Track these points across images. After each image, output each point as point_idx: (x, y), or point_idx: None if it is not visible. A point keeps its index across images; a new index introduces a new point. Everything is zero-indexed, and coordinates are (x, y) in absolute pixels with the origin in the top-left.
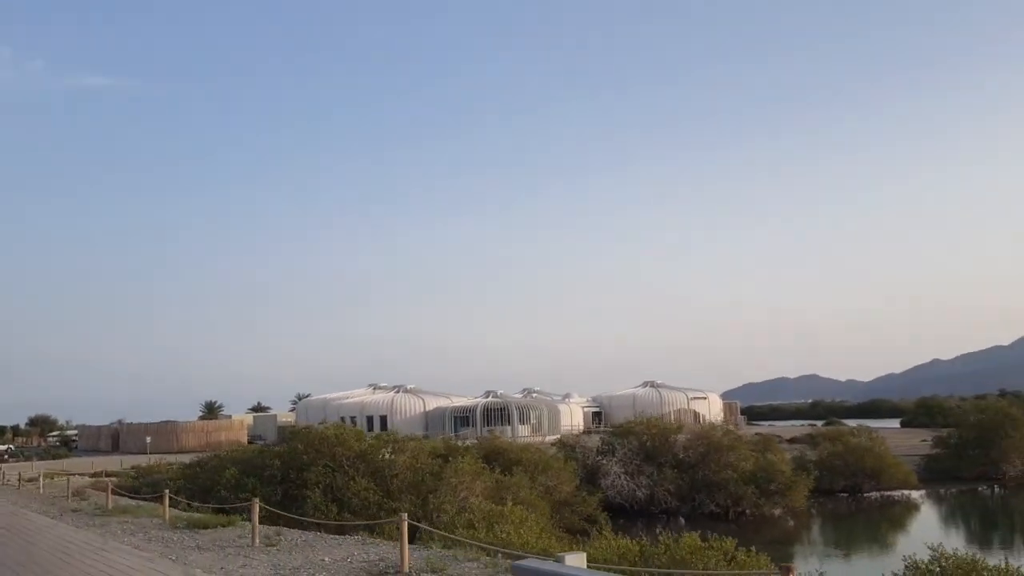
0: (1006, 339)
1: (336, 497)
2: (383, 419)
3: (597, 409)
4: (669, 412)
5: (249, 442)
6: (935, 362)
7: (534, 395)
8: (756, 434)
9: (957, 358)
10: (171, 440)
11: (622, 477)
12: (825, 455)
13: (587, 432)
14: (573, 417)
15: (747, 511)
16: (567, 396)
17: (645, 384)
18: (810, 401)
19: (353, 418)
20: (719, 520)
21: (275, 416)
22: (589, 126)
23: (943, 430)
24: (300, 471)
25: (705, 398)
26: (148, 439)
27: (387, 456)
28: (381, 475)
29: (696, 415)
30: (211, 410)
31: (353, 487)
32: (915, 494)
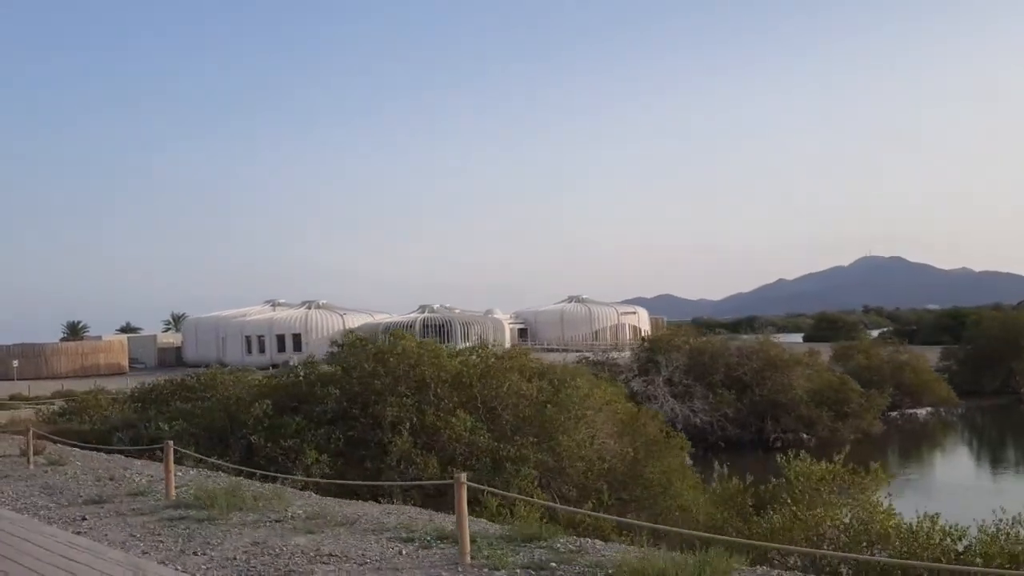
0: (846, 260)
1: (428, 443)
2: (296, 338)
3: (523, 326)
4: (603, 328)
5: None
6: (780, 282)
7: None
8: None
9: (800, 278)
10: (39, 365)
11: (671, 401)
12: (862, 370)
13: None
14: (505, 334)
15: (819, 437)
16: (489, 312)
17: (570, 299)
18: (691, 319)
19: (260, 337)
20: (792, 449)
21: (154, 337)
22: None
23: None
24: (366, 407)
25: (635, 312)
26: (15, 363)
27: (500, 381)
28: (486, 408)
29: (635, 330)
30: (74, 331)
31: (455, 426)
32: (950, 411)
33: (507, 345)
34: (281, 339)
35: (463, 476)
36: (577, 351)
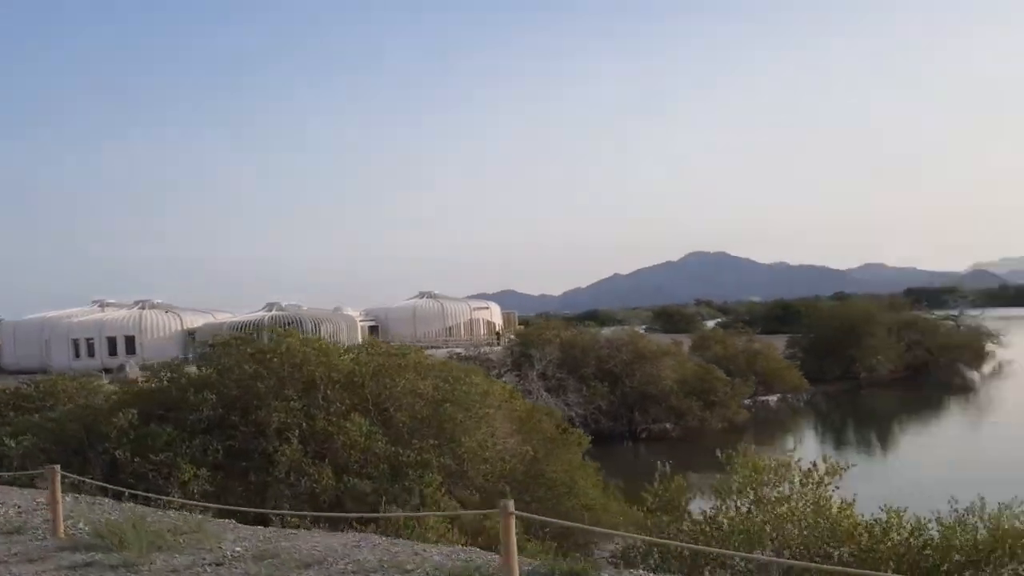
0: (675, 255)
1: (319, 451)
2: (129, 340)
3: (373, 323)
4: (456, 324)
5: None
6: (615, 276)
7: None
8: None
9: (634, 272)
10: None
11: (545, 395)
12: (720, 359)
13: None
14: (357, 332)
15: (688, 427)
16: (337, 309)
17: (422, 295)
18: (535, 314)
19: (89, 340)
20: (663, 440)
21: None
22: None
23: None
24: (246, 413)
25: (487, 307)
26: None
27: (394, 379)
28: (379, 409)
29: (490, 325)
30: None
31: (350, 432)
32: (797, 398)
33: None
34: (112, 341)
35: (511, 504)
36: (434, 347)
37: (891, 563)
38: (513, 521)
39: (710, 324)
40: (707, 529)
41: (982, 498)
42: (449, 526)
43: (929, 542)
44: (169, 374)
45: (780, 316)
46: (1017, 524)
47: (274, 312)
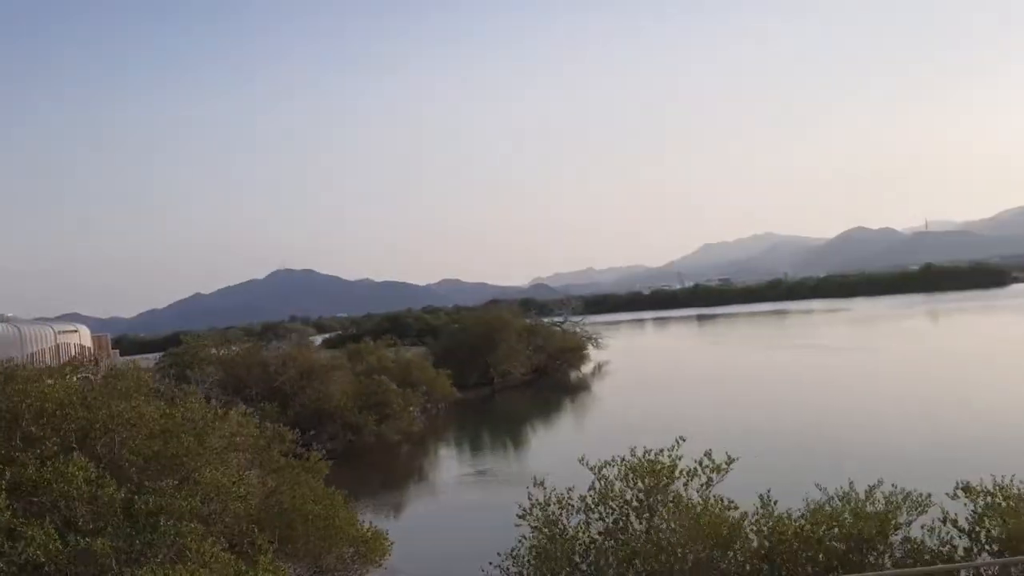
0: (261, 273)
1: (31, 506)
2: None
3: None
4: (40, 349)
5: None
6: (197, 295)
7: None
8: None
9: (217, 292)
10: None
11: None
12: (376, 371)
13: None
14: None
15: (366, 442)
16: None
17: None
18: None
19: None
20: (344, 458)
21: None
22: None
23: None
24: None
25: (76, 331)
26: None
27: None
28: (91, 446)
29: (83, 349)
30: None
31: (73, 477)
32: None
33: None
34: None
35: None
36: None
37: None
38: None
39: (317, 340)
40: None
41: None
42: None
43: None
44: None
45: (389, 328)
46: None
47: None
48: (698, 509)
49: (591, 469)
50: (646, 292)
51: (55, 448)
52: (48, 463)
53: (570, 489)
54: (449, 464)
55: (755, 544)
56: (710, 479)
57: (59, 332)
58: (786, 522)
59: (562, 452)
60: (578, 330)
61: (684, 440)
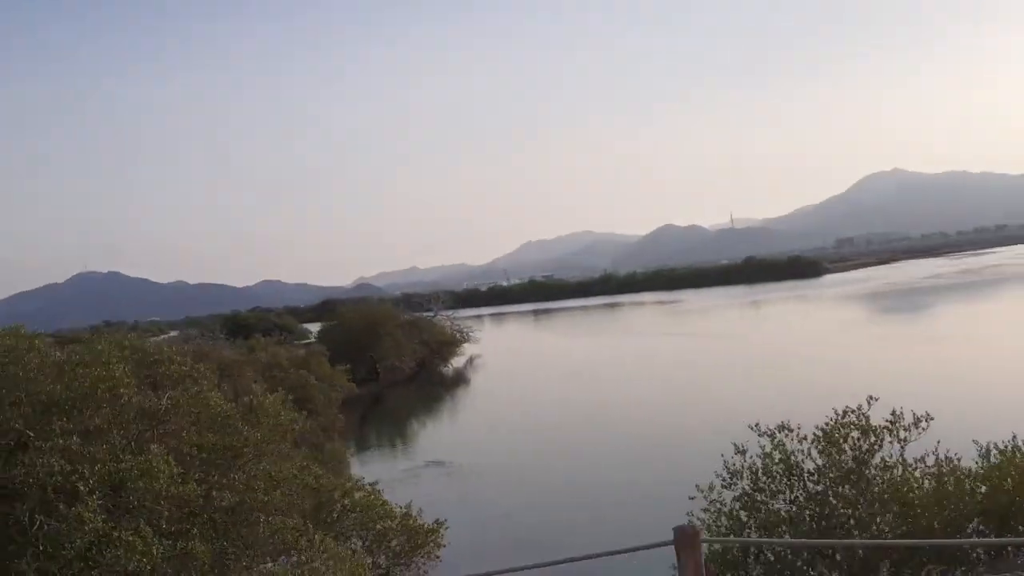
0: (60, 277)
1: (111, 508)
2: None
3: None
4: None
5: None
6: None
7: None
8: None
9: (11, 297)
10: None
11: None
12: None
13: None
14: None
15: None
16: None
17: None
18: None
19: None
20: None
21: None
22: None
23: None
24: None
25: None
26: None
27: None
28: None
29: None
30: None
31: (157, 473)
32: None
33: None
34: None
35: None
36: None
37: None
38: None
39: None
40: None
41: None
42: None
43: None
44: None
45: (232, 328)
46: None
47: None
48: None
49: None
50: (483, 289)
51: (123, 441)
52: (125, 458)
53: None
54: (390, 462)
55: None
56: (905, 438)
57: None
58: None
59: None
60: (449, 324)
61: (876, 399)
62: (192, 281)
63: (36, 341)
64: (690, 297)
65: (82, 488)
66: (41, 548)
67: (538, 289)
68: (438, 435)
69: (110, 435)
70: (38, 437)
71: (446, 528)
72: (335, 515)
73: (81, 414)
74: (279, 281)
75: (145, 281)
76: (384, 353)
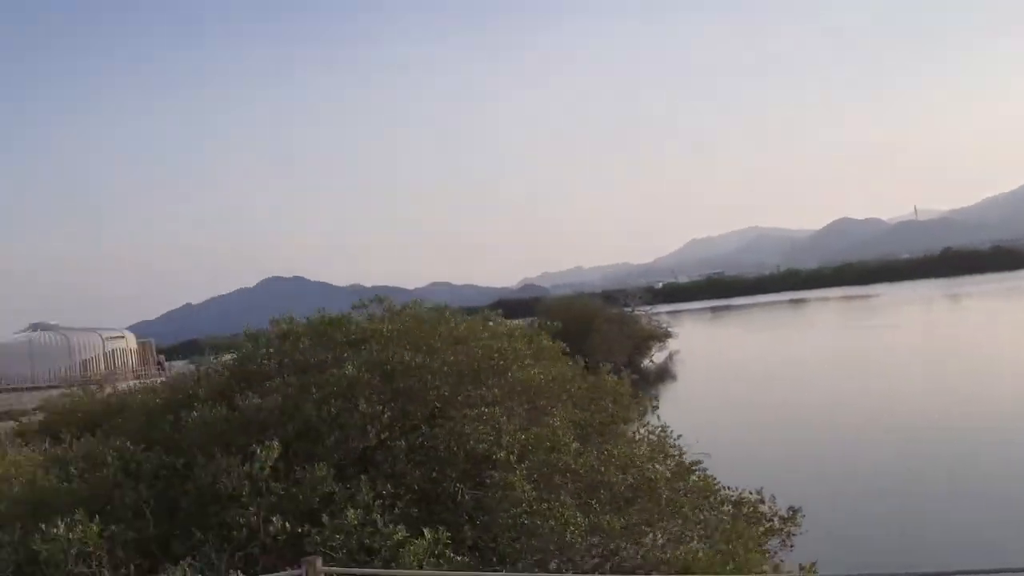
0: (251, 282)
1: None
2: None
3: None
4: (93, 357)
5: None
6: (187, 306)
7: None
8: None
9: (207, 301)
10: None
11: None
12: None
13: None
14: None
15: None
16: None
17: (35, 327)
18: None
19: None
20: None
21: None
22: None
23: None
24: (408, 432)
25: (123, 337)
26: None
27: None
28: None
29: (137, 353)
30: None
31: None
32: None
33: None
34: None
35: None
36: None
37: None
38: None
39: None
40: None
41: None
42: None
43: None
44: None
45: None
46: None
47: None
48: None
49: None
50: (658, 286)
51: (520, 411)
52: (530, 429)
53: None
54: None
55: None
56: None
57: (107, 339)
58: None
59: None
60: (647, 319)
61: None
62: (368, 283)
63: (447, 314)
64: (885, 291)
65: (501, 456)
66: (468, 516)
67: (713, 285)
68: (687, 430)
69: (506, 406)
70: (450, 406)
71: (801, 517)
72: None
73: (481, 386)
74: (448, 283)
75: (325, 284)
76: (594, 348)
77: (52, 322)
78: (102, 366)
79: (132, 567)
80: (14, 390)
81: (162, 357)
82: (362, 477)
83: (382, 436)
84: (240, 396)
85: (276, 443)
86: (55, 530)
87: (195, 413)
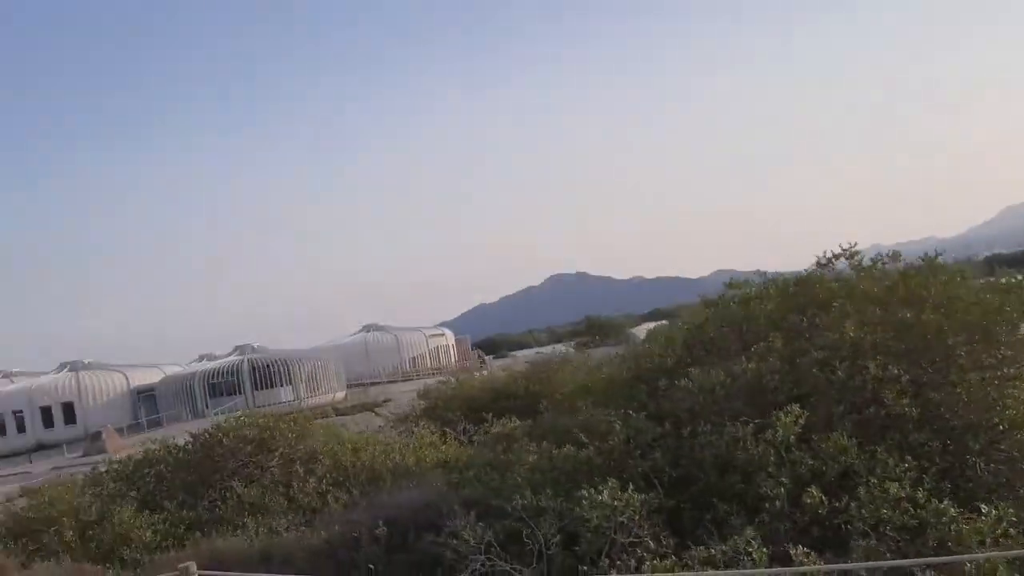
0: (536, 280)
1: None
2: (68, 407)
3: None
4: (419, 354)
5: None
6: (481, 305)
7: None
8: None
9: (499, 300)
10: None
11: None
12: None
13: None
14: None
15: None
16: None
17: (368, 329)
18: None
19: (18, 413)
20: None
21: None
22: None
23: None
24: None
25: (443, 335)
26: None
27: None
28: None
29: (455, 350)
30: None
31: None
32: None
33: (335, 383)
34: (47, 412)
35: None
36: (405, 379)
37: None
38: None
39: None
40: None
41: None
42: None
43: None
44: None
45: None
46: None
47: (250, 355)
48: None
49: None
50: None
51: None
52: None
53: None
54: None
55: None
56: None
57: (429, 336)
58: None
59: None
60: None
61: None
62: (649, 276)
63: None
64: None
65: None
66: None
67: None
68: None
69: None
70: (955, 368)
71: None
72: None
73: (993, 345)
74: (733, 269)
75: (608, 279)
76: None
77: (382, 323)
78: (428, 361)
79: (669, 536)
80: (359, 385)
81: (479, 351)
82: (876, 448)
83: (900, 402)
84: (706, 365)
85: (798, 408)
86: (599, 496)
87: (686, 381)
